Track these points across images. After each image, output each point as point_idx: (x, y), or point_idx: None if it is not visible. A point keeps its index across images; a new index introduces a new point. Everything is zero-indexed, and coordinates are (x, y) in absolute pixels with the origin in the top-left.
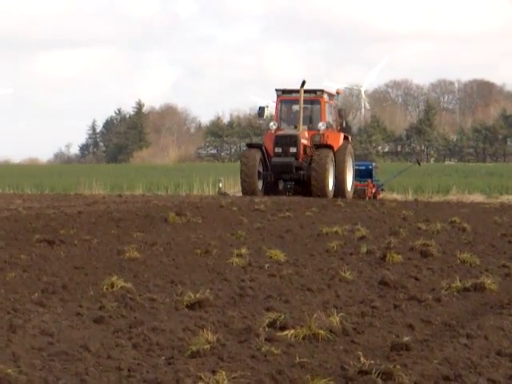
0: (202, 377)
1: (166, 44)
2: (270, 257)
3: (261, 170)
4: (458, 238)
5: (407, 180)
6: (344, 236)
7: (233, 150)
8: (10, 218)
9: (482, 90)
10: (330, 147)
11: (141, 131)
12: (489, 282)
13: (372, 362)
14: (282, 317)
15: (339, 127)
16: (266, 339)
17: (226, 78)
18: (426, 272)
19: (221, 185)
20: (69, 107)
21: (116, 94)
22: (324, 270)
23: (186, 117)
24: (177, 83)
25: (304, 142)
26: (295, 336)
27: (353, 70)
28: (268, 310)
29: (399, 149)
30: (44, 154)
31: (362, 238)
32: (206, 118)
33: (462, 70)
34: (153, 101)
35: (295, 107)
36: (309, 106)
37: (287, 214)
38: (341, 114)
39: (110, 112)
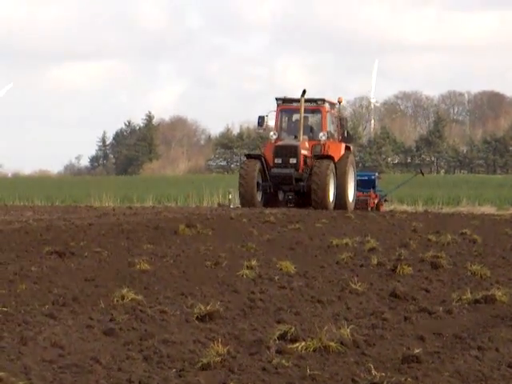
0: None
1: (176, 56)
2: (281, 269)
3: (260, 181)
4: (468, 249)
5: (417, 191)
6: (354, 248)
7: None
8: (20, 229)
9: (492, 102)
10: (330, 158)
11: (151, 143)
12: (499, 293)
13: (383, 374)
14: (293, 329)
15: (341, 137)
16: (276, 351)
17: (236, 89)
18: (437, 284)
19: (230, 196)
20: (79, 119)
21: (126, 105)
22: (334, 282)
23: (195, 128)
24: (187, 95)
25: (304, 152)
26: (306, 348)
27: (362, 81)
28: (278, 322)
29: (409, 160)
30: (54, 165)
31: (373, 249)
32: (215, 130)
33: (472, 82)
34: (163, 112)
35: (295, 117)
36: (309, 115)
37: (297, 225)
38: (342, 123)
39: (120, 124)
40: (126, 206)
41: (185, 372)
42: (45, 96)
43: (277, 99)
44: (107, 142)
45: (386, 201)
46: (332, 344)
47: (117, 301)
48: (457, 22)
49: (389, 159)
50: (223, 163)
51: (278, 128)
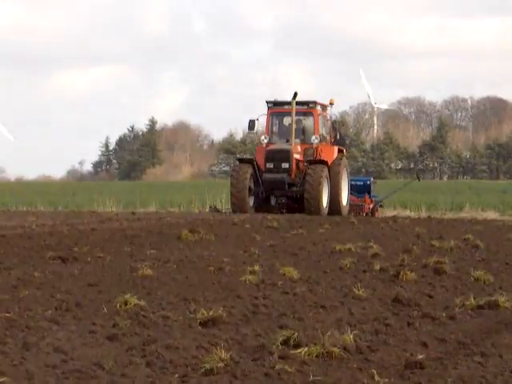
0: None
1: (178, 61)
2: (283, 274)
3: (252, 186)
4: (471, 255)
5: (420, 197)
6: (357, 253)
7: None
8: (23, 235)
9: (496, 107)
10: (324, 163)
11: (154, 148)
12: (503, 299)
13: (386, 380)
14: (296, 334)
15: (333, 140)
16: (279, 357)
17: (238, 94)
18: (440, 290)
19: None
20: (82, 124)
21: (129, 111)
22: (337, 288)
23: (198, 134)
24: (190, 100)
25: (296, 156)
26: (309, 354)
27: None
28: (281, 327)
29: (412, 166)
30: (57, 171)
31: (375, 255)
32: (218, 135)
33: (475, 87)
34: (166, 118)
35: (287, 120)
36: (301, 118)
37: (300, 231)
38: (334, 126)
39: (123, 129)
40: (129, 212)
41: (188, 377)
42: (48, 101)
43: (267, 102)
44: (110, 148)
45: (381, 206)
46: (335, 349)
47: (120, 306)
48: (460, 28)
49: (392, 165)
50: (226, 168)
51: (269, 132)
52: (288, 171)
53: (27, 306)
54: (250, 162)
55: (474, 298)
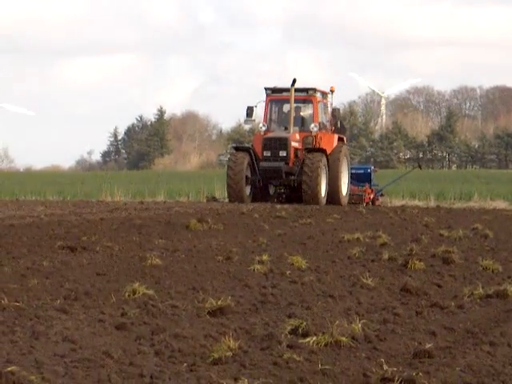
0: None
1: (187, 51)
2: (292, 263)
3: (249, 175)
4: (480, 244)
5: (429, 186)
6: (365, 243)
7: None
8: (32, 224)
9: (505, 97)
10: (322, 151)
11: (162, 138)
12: (511, 289)
13: (394, 369)
14: (304, 324)
15: (333, 128)
16: (287, 346)
17: (247, 84)
18: (448, 279)
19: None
20: (91, 114)
21: (138, 100)
22: (346, 277)
23: (207, 123)
24: (198, 90)
25: (295, 145)
26: (317, 343)
27: (375, 76)
28: (290, 316)
29: (421, 155)
30: (66, 160)
31: (384, 244)
32: (227, 125)
33: (484, 77)
34: (174, 107)
35: (286, 107)
36: (300, 105)
37: (308, 220)
38: (335, 113)
39: (132, 119)
40: (138, 201)
41: (196, 366)
42: (56, 91)
43: (266, 89)
44: (119, 137)
45: (382, 195)
46: (343, 339)
47: (128, 295)
48: (469, 17)
49: (400, 154)
50: None
51: (268, 119)
52: (285, 160)
53: (36, 295)
54: (246, 150)
55: (483, 287)
